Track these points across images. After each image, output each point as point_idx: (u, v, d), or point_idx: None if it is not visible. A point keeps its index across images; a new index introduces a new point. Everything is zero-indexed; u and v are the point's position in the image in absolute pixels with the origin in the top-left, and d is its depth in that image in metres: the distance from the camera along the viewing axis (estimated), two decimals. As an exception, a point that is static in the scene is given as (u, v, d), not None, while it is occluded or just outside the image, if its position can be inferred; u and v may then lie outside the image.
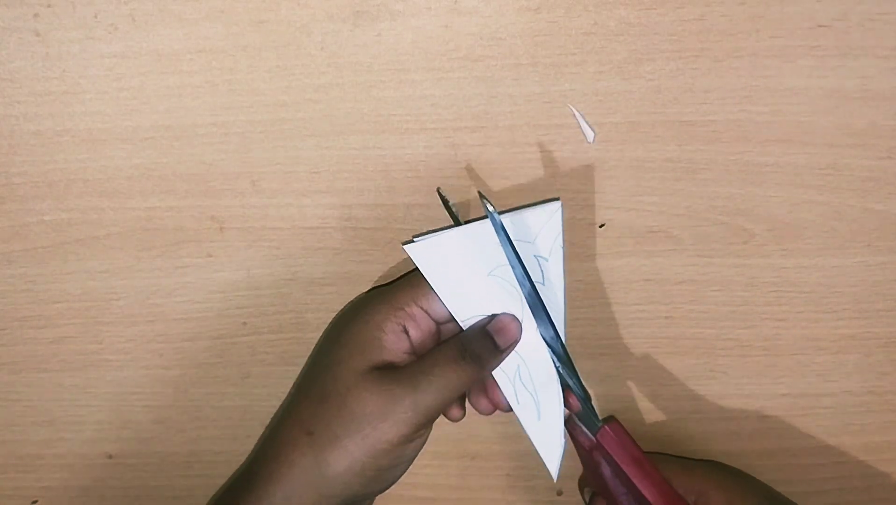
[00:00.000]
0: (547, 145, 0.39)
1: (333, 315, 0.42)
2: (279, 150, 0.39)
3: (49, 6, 0.37)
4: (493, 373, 0.37)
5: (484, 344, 0.36)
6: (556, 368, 0.37)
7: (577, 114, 0.38)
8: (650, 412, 0.43)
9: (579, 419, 0.38)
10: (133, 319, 0.42)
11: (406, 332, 0.37)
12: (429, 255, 0.37)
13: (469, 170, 0.39)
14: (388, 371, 0.36)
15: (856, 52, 0.37)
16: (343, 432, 0.35)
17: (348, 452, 0.35)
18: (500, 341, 0.37)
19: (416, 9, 0.37)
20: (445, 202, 0.38)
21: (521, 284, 0.36)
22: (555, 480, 0.37)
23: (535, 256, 0.37)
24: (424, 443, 0.37)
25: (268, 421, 0.43)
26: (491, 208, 0.35)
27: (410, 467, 0.37)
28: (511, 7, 0.37)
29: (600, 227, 0.40)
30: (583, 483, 0.42)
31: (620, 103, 0.38)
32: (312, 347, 0.42)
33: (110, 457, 0.44)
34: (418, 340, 0.37)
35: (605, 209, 0.40)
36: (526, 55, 0.38)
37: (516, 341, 0.37)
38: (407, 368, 0.36)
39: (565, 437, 0.37)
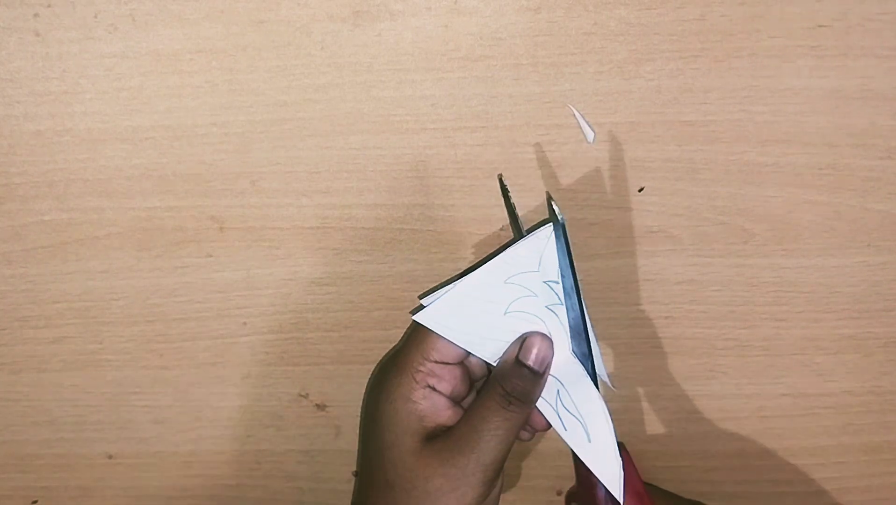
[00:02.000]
0: (547, 145, 0.39)
1: (333, 315, 0.42)
2: (279, 150, 0.39)
3: (49, 6, 0.37)
4: (539, 408, 0.37)
5: (521, 377, 0.36)
6: (596, 385, 0.36)
7: (577, 114, 0.38)
8: (650, 412, 0.43)
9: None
10: (133, 319, 0.42)
11: (435, 389, 0.36)
12: (440, 317, 0.36)
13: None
14: (440, 439, 0.35)
15: (856, 52, 0.37)
16: None
17: None
18: (536, 365, 0.36)
19: (416, 9, 0.37)
20: (505, 192, 0.37)
21: (566, 296, 0.36)
22: (622, 503, 0.36)
23: (543, 282, 0.36)
24: (502, 485, 0.37)
25: (268, 422, 0.43)
26: (558, 213, 0.34)
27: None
28: (511, 7, 0.37)
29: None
30: (571, 498, 0.42)
31: (620, 103, 0.38)
32: (312, 346, 0.42)
33: (110, 457, 0.44)
34: (450, 389, 0.36)
35: (605, 209, 0.40)
36: (526, 55, 0.38)
37: (551, 357, 0.36)
38: (458, 431, 0.35)
39: (619, 453, 0.36)
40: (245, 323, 0.42)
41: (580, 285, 0.36)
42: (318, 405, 0.43)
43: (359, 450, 0.42)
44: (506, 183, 0.37)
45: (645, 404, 0.43)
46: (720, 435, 0.43)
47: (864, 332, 0.42)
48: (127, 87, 0.38)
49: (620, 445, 0.37)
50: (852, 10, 0.37)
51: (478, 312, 0.36)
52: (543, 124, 0.39)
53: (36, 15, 0.37)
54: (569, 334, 0.37)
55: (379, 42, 0.38)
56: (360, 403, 0.42)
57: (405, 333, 0.42)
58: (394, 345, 0.42)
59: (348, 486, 0.44)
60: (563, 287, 0.36)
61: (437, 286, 0.40)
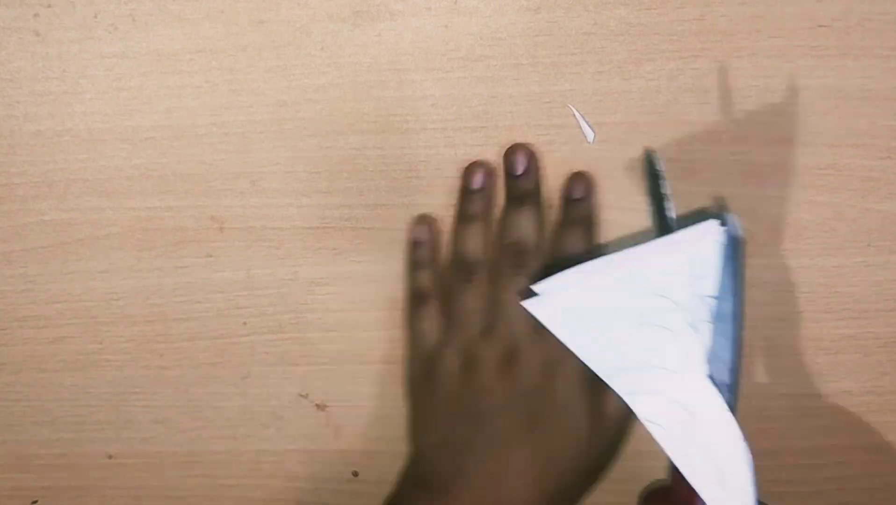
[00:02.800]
0: (547, 145, 0.39)
1: (333, 315, 0.42)
2: (279, 150, 0.39)
3: (49, 6, 0.37)
4: (654, 432, 0.31)
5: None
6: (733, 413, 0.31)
7: (577, 114, 0.38)
8: (650, 412, 0.43)
9: None
10: (133, 319, 0.42)
11: None
12: (557, 310, 0.30)
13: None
14: None
15: (856, 52, 0.37)
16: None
17: None
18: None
19: (416, 9, 0.37)
20: (654, 174, 0.31)
21: (719, 319, 0.29)
22: None
23: (697, 294, 0.31)
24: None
25: (268, 422, 0.43)
26: (737, 227, 0.29)
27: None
28: (511, 7, 0.37)
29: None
30: (650, 499, 0.39)
31: (620, 103, 0.38)
32: (312, 346, 0.42)
33: (110, 457, 0.44)
34: None
35: (605, 209, 0.40)
36: (526, 55, 0.38)
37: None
38: None
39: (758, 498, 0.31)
40: (245, 323, 0.42)
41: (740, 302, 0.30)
42: (318, 405, 0.43)
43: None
44: (660, 164, 0.32)
45: (645, 404, 0.43)
46: (720, 435, 0.43)
47: (864, 332, 0.42)
48: (127, 87, 0.38)
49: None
50: (852, 10, 0.37)
51: (604, 317, 0.30)
52: (543, 124, 0.39)
53: (36, 15, 0.37)
54: (712, 359, 0.32)
55: (379, 42, 0.38)
56: (362, 403, 0.42)
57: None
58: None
59: (348, 486, 0.44)
60: (718, 308, 0.31)
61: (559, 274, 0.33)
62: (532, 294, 0.31)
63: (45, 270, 0.41)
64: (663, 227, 0.32)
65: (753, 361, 0.42)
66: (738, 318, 0.30)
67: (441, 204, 0.40)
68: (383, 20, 0.38)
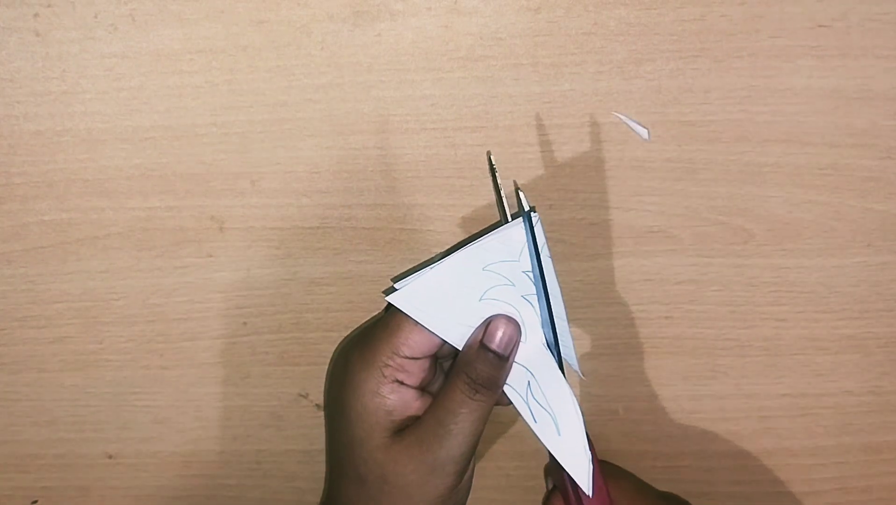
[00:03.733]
0: (547, 145, 0.39)
1: (333, 315, 0.42)
2: (279, 150, 0.39)
3: (49, 6, 0.37)
4: (506, 392, 0.36)
5: (486, 362, 0.35)
6: (564, 376, 0.36)
7: (623, 118, 0.38)
8: (650, 412, 0.43)
9: None
10: (133, 319, 0.42)
11: (402, 383, 0.35)
12: (414, 299, 0.35)
13: (469, 167, 0.39)
14: (408, 433, 0.35)
15: (856, 52, 0.37)
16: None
17: None
18: (500, 348, 0.35)
19: (416, 9, 0.37)
20: (493, 171, 0.37)
21: (536, 288, 0.35)
22: (591, 496, 0.36)
23: (522, 272, 0.36)
24: (474, 467, 0.37)
25: (268, 422, 0.43)
26: (525, 204, 0.34)
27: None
28: (511, 7, 0.37)
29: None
30: (548, 472, 0.42)
31: (620, 103, 0.38)
32: (312, 346, 0.42)
33: (110, 457, 0.44)
34: (417, 382, 0.36)
35: (605, 209, 0.40)
36: (526, 55, 0.38)
37: (516, 340, 0.36)
38: (425, 424, 0.35)
39: (592, 448, 0.36)
40: (245, 323, 0.42)
41: (550, 276, 0.35)
42: (318, 405, 0.43)
43: (327, 441, 0.42)
44: (494, 162, 0.37)
45: (645, 404, 0.43)
46: (720, 435, 0.43)
47: (864, 332, 0.42)
48: (127, 87, 0.38)
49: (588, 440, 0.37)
50: (852, 10, 0.37)
51: (453, 298, 0.35)
52: (543, 124, 0.39)
53: (36, 15, 0.37)
54: (542, 325, 0.36)
55: (379, 42, 0.38)
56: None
57: (372, 319, 0.41)
58: (357, 327, 0.41)
59: (348, 486, 0.44)
60: (534, 276, 0.36)
61: (411, 269, 0.39)
62: (392, 290, 0.35)
63: (45, 270, 0.41)
64: (502, 214, 0.37)
65: (753, 361, 0.42)
66: (544, 279, 0.35)
67: (441, 204, 0.40)
68: (383, 20, 0.38)
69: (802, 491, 0.44)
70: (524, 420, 0.36)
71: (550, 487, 0.41)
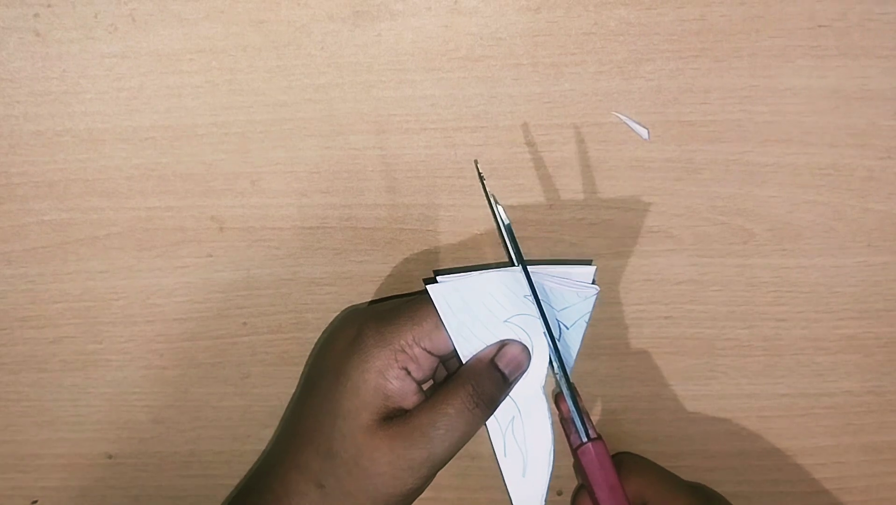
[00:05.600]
0: (547, 145, 0.39)
1: (333, 315, 0.42)
2: (279, 150, 0.39)
3: (49, 6, 0.37)
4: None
5: (493, 380, 0.35)
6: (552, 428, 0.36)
7: (623, 118, 0.38)
8: (650, 412, 0.43)
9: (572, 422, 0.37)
10: (133, 319, 0.42)
11: (409, 373, 0.35)
12: (450, 296, 0.35)
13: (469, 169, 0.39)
14: (396, 423, 0.35)
15: (856, 52, 0.37)
16: (356, 488, 0.35)
17: None
18: (510, 372, 0.35)
19: (416, 9, 0.37)
20: (481, 179, 0.37)
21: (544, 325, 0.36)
22: None
23: (557, 319, 0.36)
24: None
25: (268, 422, 0.43)
26: (506, 221, 0.35)
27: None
28: (511, 7, 0.37)
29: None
30: (576, 470, 0.42)
31: (620, 103, 0.38)
32: (312, 347, 0.42)
33: (110, 457, 0.44)
34: (421, 378, 0.36)
35: (605, 209, 0.40)
36: (526, 55, 0.38)
37: (525, 368, 0.36)
38: (416, 420, 0.35)
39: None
40: (245, 323, 0.42)
41: (576, 341, 0.37)
42: (318, 405, 0.43)
43: (297, 404, 0.41)
44: (481, 171, 0.37)
45: (645, 404, 0.43)
46: (720, 435, 0.43)
47: (864, 332, 0.42)
48: (127, 87, 0.38)
49: (598, 439, 0.37)
50: (852, 10, 0.37)
51: (482, 309, 0.36)
52: (543, 124, 0.39)
53: (36, 15, 0.37)
54: (548, 371, 0.36)
55: (379, 42, 0.38)
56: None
57: (397, 301, 0.41)
58: (372, 300, 0.41)
59: (348, 486, 0.44)
60: (566, 335, 0.37)
61: (455, 268, 0.39)
62: (433, 281, 0.35)
63: (45, 270, 0.41)
64: (495, 219, 0.37)
65: (753, 361, 0.42)
66: (572, 354, 0.37)
67: (441, 204, 0.40)
68: (383, 20, 0.38)
69: (802, 491, 0.44)
70: (494, 449, 0.37)
71: (578, 485, 0.41)
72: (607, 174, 0.39)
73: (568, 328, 0.37)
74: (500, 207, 0.36)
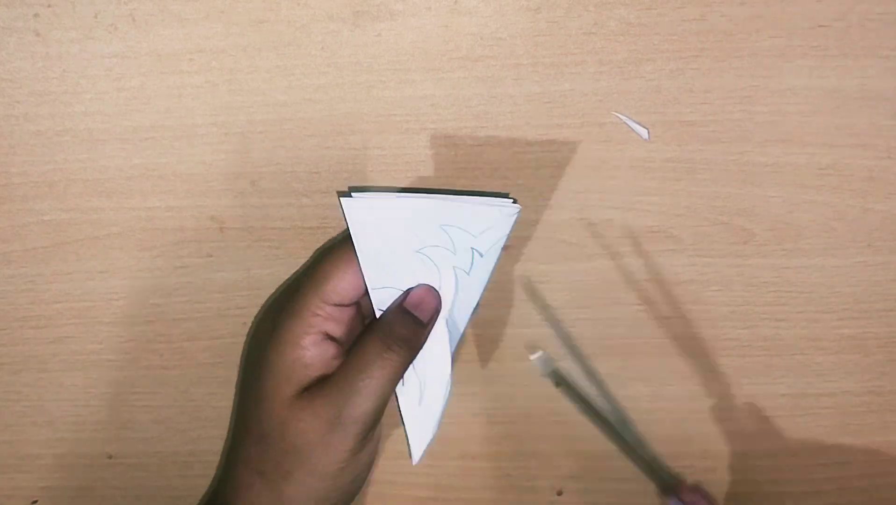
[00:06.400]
0: (547, 145, 0.39)
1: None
2: (279, 150, 0.39)
3: (49, 6, 0.37)
4: None
5: (406, 323, 0.34)
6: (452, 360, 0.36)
7: (623, 118, 0.38)
8: (650, 412, 0.43)
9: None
10: (133, 319, 0.42)
11: (328, 336, 0.35)
12: (364, 215, 0.34)
13: (466, 169, 0.39)
14: (317, 389, 0.34)
15: (856, 52, 0.37)
16: (293, 466, 0.34)
17: (305, 484, 0.34)
18: (422, 315, 0.35)
19: (416, 9, 0.37)
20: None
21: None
22: (413, 464, 0.37)
23: (471, 247, 0.36)
24: (378, 440, 0.36)
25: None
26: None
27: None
28: (511, 7, 0.37)
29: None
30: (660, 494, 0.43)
31: (620, 103, 0.38)
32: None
33: (110, 457, 0.44)
34: (342, 334, 0.35)
35: (605, 209, 0.40)
36: (526, 55, 0.38)
37: (438, 311, 0.36)
38: (334, 381, 0.34)
39: (438, 427, 0.37)
40: (245, 323, 0.42)
41: (490, 267, 0.36)
42: (318, 405, 0.43)
43: (236, 399, 0.41)
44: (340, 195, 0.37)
45: (645, 404, 0.43)
46: (720, 435, 0.43)
47: (864, 332, 0.42)
48: (127, 87, 0.38)
49: (698, 485, 0.37)
50: (852, 10, 0.37)
51: (395, 234, 0.35)
52: (543, 124, 0.39)
53: (36, 15, 0.37)
54: (454, 304, 0.36)
55: (379, 42, 0.38)
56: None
57: (298, 272, 0.41)
58: (281, 284, 0.41)
59: (348, 486, 0.44)
60: (479, 264, 0.36)
61: (371, 187, 0.39)
62: (349, 195, 0.35)
63: (45, 270, 0.41)
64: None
65: (753, 361, 0.42)
66: (483, 282, 0.36)
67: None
68: (383, 20, 0.38)
69: (802, 491, 0.44)
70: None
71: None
72: (607, 174, 0.39)
73: (482, 255, 0.36)
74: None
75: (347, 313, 0.35)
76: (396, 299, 0.36)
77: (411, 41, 0.38)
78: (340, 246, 0.36)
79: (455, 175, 0.39)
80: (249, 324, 0.42)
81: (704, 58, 0.38)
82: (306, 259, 0.41)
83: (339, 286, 0.35)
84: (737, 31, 0.37)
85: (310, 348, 0.34)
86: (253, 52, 0.38)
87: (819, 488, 0.44)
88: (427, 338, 0.36)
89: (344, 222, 0.35)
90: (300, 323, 0.34)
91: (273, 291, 0.41)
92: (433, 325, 0.36)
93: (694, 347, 0.42)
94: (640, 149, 0.39)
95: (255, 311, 0.42)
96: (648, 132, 0.38)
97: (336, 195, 0.39)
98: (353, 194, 0.35)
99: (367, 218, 0.35)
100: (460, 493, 0.45)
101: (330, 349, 0.35)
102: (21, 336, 0.42)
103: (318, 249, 0.40)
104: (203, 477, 0.44)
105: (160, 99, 0.38)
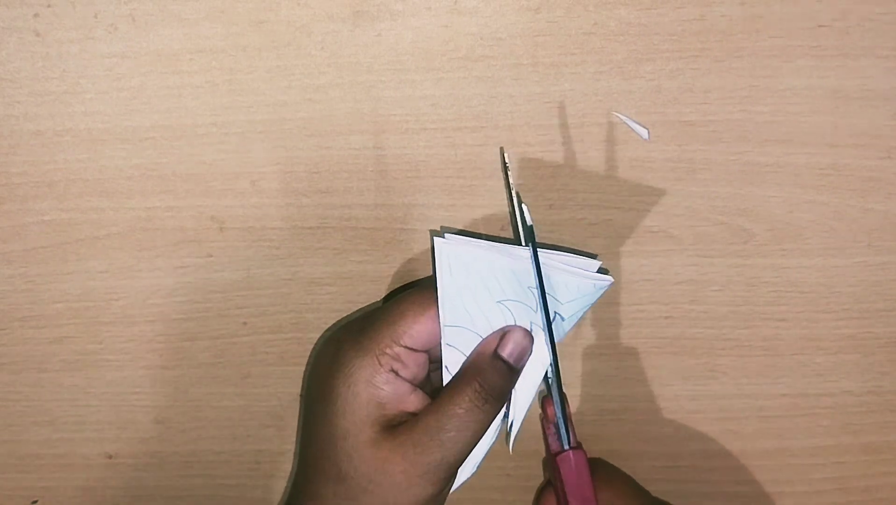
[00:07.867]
0: (547, 145, 0.39)
1: (333, 315, 0.42)
2: (279, 150, 0.39)
3: (49, 6, 0.37)
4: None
5: (501, 372, 0.34)
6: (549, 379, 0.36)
7: (623, 118, 0.38)
8: (650, 412, 0.43)
9: (555, 426, 0.37)
10: (133, 319, 0.42)
11: (398, 374, 0.34)
12: (453, 259, 0.34)
13: (470, 167, 0.39)
14: (402, 430, 0.34)
15: (856, 52, 0.37)
16: None
17: None
18: (513, 359, 0.35)
19: (416, 9, 0.37)
20: (505, 168, 0.37)
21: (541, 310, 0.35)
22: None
23: (555, 311, 0.36)
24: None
25: (268, 422, 0.43)
26: (529, 222, 0.35)
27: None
28: (511, 7, 0.37)
29: None
30: (544, 465, 0.43)
31: (620, 103, 0.38)
32: (312, 347, 0.42)
33: (110, 457, 0.44)
34: (412, 376, 0.35)
35: (605, 209, 0.40)
36: (526, 55, 0.38)
37: (529, 353, 0.35)
38: (424, 424, 0.34)
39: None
40: (245, 323, 0.42)
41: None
42: (318, 405, 0.43)
43: (302, 434, 0.41)
44: (508, 161, 0.37)
45: (645, 404, 0.43)
46: (720, 435, 0.43)
47: (864, 332, 0.42)
48: (127, 87, 0.38)
49: (579, 447, 0.37)
50: (852, 10, 0.37)
51: (480, 283, 0.35)
52: (543, 124, 0.39)
53: (36, 15, 0.37)
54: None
55: (379, 42, 0.38)
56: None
57: (369, 310, 0.41)
58: (345, 316, 0.41)
59: (348, 486, 0.44)
60: (557, 325, 0.36)
61: (464, 231, 0.39)
62: (441, 235, 0.35)
63: (45, 270, 0.41)
64: (511, 208, 0.37)
65: (753, 361, 0.42)
66: (554, 344, 0.36)
67: (441, 204, 0.40)
68: (383, 20, 0.38)
69: (802, 491, 0.44)
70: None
71: (544, 482, 0.41)
72: (607, 174, 0.39)
73: (564, 319, 0.36)
74: (525, 207, 0.35)
75: (418, 358, 0.35)
76: (488, 339, 0.35)
77: (411, 41, 0.38)
78: (421, 290, 0.36)
79: (455, 175, 0.39)
80: (249, 324, 0.42)
81: (704, 58, 0.38)
82: (306, 259, 0.41)
83: (414, 328, 0.34)
84: (737, 31, 0.37)
85: (384, 387, 0.34)
86: (253, 52, 0.38)
87: (819, 488, 0.44)
88: (517, 382, 0.36)
89: (431, 263, 0.35)
90: (371, 361, 0.34)
91: (272, 290, 0.41)
92: (522, 371, 0.35)
93: (694, 347, 0.42)
94: (640, 149, 0.39)
95: (255, 311, 0.42)
96: (648, 132, 0.38)
97: (430, 235, 0.39)
98: (445, 235, 0.35)
99: (455, 262, 0.34)
100: (460, 493, 0.45)
101: (404, 386, 0.34)
102: (21, 336, 0.42)
103: (390, 291, 0.40)
104: (203, 477, 0.44)
105: (160, 99, 0.38)
